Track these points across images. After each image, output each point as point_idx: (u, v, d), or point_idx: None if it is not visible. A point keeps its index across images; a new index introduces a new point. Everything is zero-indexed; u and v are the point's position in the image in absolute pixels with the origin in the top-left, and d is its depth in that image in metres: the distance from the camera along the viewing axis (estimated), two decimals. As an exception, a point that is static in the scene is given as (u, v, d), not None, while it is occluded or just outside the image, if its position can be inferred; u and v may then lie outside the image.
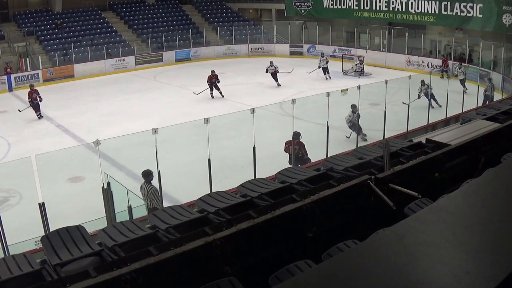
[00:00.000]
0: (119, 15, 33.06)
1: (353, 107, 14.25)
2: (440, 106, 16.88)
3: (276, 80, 22.84)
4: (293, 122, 11.31)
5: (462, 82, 20.09)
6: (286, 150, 11.67)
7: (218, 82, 20.60)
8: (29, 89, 19.12)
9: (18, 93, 23.51)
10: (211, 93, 20.80)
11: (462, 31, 26.20)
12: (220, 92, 20.70)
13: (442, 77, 23.55)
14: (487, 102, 17.75)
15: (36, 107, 18.64)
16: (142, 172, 8.80)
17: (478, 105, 15.25)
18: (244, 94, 20.96)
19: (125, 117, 18.02)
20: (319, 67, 24.33)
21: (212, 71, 20.90)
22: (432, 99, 17.40)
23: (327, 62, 24.31)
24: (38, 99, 18.69)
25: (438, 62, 24.89)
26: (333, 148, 11.29)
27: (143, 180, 8.81)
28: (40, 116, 18.74)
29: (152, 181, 8.77)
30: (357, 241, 3.43)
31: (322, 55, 25.03)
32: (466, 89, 18.63)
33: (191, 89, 22.30)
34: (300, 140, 11.59)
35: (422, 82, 17.78)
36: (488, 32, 24.18)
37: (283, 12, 34.11)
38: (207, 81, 20.76)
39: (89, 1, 32.49)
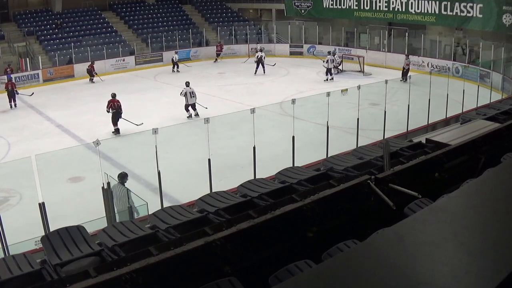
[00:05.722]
0: (119, 15, 33.04)
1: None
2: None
3: (263, 67, 24.44)
4: (293, 122, 11.31)
5: (330, 71, 22.44)
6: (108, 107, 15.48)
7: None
8: None
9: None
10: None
11: (462, 31, 26.20)
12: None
13: (215, 61, 29.07)
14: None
15: None
16: (119, 174, 8.65)
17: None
18: (244, 94, 20.96)
19: (125, 117, 17.98)
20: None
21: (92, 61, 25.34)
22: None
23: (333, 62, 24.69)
24: None
25: (438, 62, 24.90)
26: (333, 148, 11.29)
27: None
28: None
29: (125, 183, 8.57)
30: (357, 241, 3.44)
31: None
32: (331, 78, 22.33)
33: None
34: (117, 99, 15.70)
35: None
36: (488, 32, 24.17)
37: (283, 12, 34.10)
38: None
39: (89, 1, 32.47)
